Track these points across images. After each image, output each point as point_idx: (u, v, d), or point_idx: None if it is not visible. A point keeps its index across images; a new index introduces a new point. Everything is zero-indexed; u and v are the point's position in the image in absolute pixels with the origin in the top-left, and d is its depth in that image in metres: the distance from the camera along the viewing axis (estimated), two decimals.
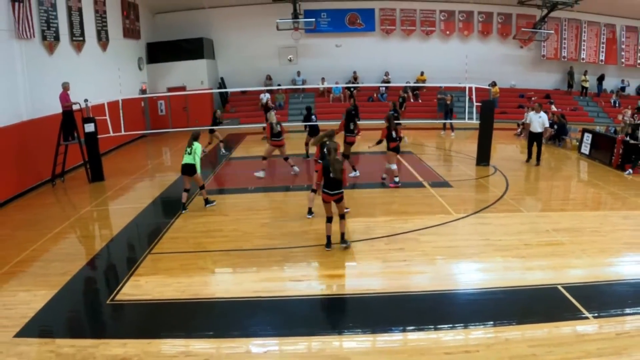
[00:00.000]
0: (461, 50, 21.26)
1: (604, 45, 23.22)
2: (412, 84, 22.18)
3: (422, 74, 22.62)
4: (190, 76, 20.65)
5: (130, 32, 18.89)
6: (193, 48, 20.91)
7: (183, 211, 9.24)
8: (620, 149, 12.49)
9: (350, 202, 8.97)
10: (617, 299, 5.74)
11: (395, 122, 11.08)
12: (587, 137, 14.18)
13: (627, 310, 5.42)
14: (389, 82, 22.25)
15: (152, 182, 12.59)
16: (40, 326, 5.39)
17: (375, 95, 22.78)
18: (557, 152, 15.17)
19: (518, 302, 5.72)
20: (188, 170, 9.22)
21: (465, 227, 8.30)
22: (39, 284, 6.38)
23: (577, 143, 14.86)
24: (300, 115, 17.61)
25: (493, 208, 9.25)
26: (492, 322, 5.24)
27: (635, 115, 17.30)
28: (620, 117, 19.48)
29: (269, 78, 22.29)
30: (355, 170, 11.60)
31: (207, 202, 9.56)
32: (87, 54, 14.87)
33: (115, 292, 6.12)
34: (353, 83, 22.27)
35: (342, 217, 7.26)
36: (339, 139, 9.21)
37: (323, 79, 22.08)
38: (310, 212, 8.74)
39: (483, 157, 12.76)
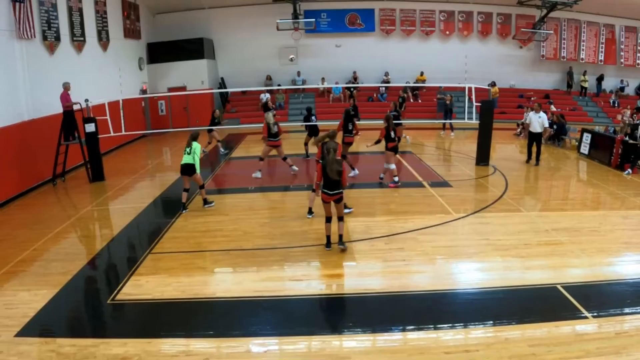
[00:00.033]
0: (461, 51, 21.32)
1: (603, 46, 23.24)
2: (411, 84, 22.19)
3: (421, 74, 22.62)
4: (190, 76, 20.67)
5: (131, 32, 18.91)
6: (193, 48, 20.93)
7: (183, 211, 9.26)
8: (620, 149, 12.51)
9: (350, 202, 8.99)
10: (616, 298, 5.76)
11: (396, 122, 11.09)
12: (587, 137, 14.20)
13: (626, 310, 5.44)
14: (388, 82, 22.25)
15: (152, 182, 12.60)
16: (41, 326, 5.40)
17: (375, 95, 22.80)
18: (557, 152, 15.19)
19: (517, 302, 5.73)
20: (187, 170, 9.24)
21: (465, 226, 8.32)
22: (40, 283, 6.39)
23: (577, 143, 14.89)
24: (300, 116, 17.62)
25: (492, 208, 9.27)
26: (491, 322, 5.26)
27: (635, 115, 17.32)
28: (619, 117, 19.55)
29: (269, 78, 22.29)
30: (354, 169, 11.62)
31: (205, 202, 9.57)
32: (87, 54, 14.90)
33: (115, 291, 6.13)
34: (353, 83, 22.26)
35: (340, 219, 7.21)
36: (338, 139, 9.20)
37: (323, 79, 22.10)
38: (310, 212, 8.76)
39: (483, 157, 12.79)
